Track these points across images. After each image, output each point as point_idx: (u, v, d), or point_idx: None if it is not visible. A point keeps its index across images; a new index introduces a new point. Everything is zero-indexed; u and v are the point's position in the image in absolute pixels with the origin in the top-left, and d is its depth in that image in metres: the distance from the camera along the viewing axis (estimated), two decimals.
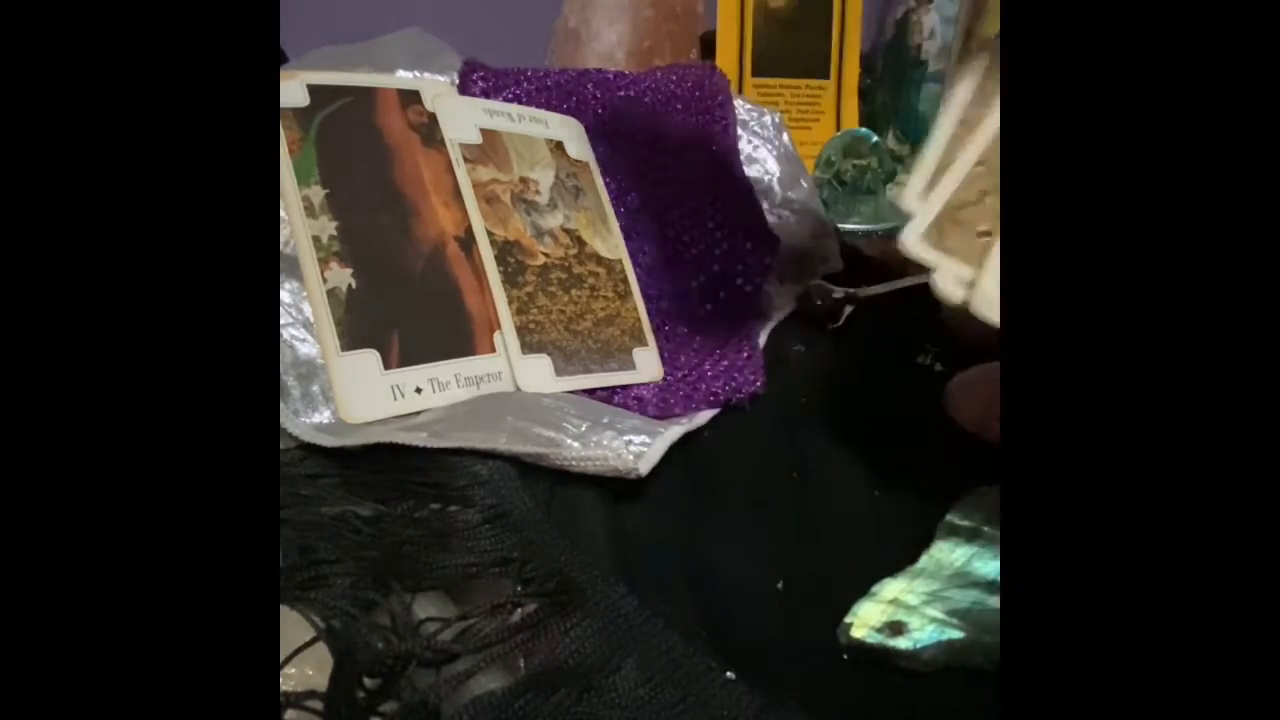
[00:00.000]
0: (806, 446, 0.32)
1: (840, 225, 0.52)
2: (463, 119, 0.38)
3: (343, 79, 0.36)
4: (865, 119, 0.62)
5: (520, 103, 0.41)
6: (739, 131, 0.47)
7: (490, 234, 0.37)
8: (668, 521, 0.28)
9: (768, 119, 0.48)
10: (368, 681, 0.21)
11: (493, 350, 0.35)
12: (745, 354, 0.38)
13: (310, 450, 0.30)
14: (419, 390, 0.33)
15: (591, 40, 0.55)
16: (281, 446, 0.30)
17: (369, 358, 0.32)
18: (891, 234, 0.45)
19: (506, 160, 0.39)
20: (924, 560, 0.25)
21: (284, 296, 0.34)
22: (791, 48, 0.61)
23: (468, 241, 0.36)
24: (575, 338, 0.37)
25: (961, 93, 0.27)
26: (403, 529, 0.26)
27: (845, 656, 0.22)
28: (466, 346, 0.35)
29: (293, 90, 0.34)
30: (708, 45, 0.60)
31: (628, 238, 0.41)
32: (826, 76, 0.61)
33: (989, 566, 0.24)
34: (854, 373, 0.38)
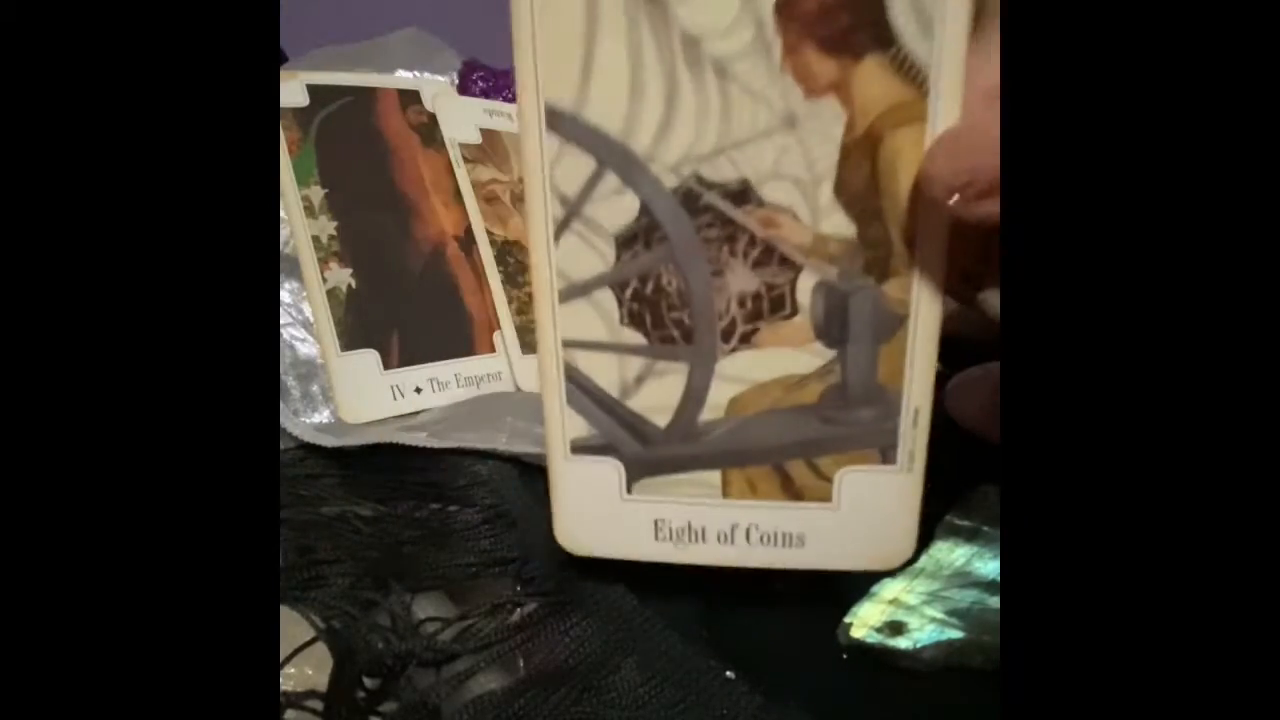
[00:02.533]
0: None
1: None
2: (463, 119, 0.38)
3: (343, 79, 0.36)
4: None
5: None
6: None
7: (490, 234, 0.37)
8: None
9: None
10: (368, 681, 0.21)
11: (493, 350, 0.35)
12: None
13: (310, 450, 0.30)
14: (419, 390, 0.33)
15: None
16: (281, 446, 0.30)
17: (368, 358, 0.33)
18: None
19: (506, 160, 0.39)
20: (924, 560, 0.24)
21: (284, 296, 0.35)
22: None
23: (468, 241, 0.36)
24: None
25: None
26: (403, 529, 0.26)
27: (845, 656, 0.22)
28: (466, 346, 0.35)
29: (293, 90, 0.34)
30: None
31: None
32: None
33: (989, 566, 0.24)
34: None
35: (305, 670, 0.22)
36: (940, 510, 0.26)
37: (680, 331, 0.19)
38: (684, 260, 0.19)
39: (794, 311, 0.19)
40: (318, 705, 0.21)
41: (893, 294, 0.19)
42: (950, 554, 0.25)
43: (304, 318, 0.34)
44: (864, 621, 0.22)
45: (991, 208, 0.17)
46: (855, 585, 0.24)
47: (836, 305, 0.19)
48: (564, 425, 0.20)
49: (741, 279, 0.19)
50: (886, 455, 0.20)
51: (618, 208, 0.19)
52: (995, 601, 0.22)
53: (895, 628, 0.22)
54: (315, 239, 0.33)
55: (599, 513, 0.21)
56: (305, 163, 0.33)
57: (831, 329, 0.19)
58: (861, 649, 0.22)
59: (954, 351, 0.36)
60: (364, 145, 0.35)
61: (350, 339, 0.32)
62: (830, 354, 0.19)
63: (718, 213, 0.18)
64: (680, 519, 0.21)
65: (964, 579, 0.24)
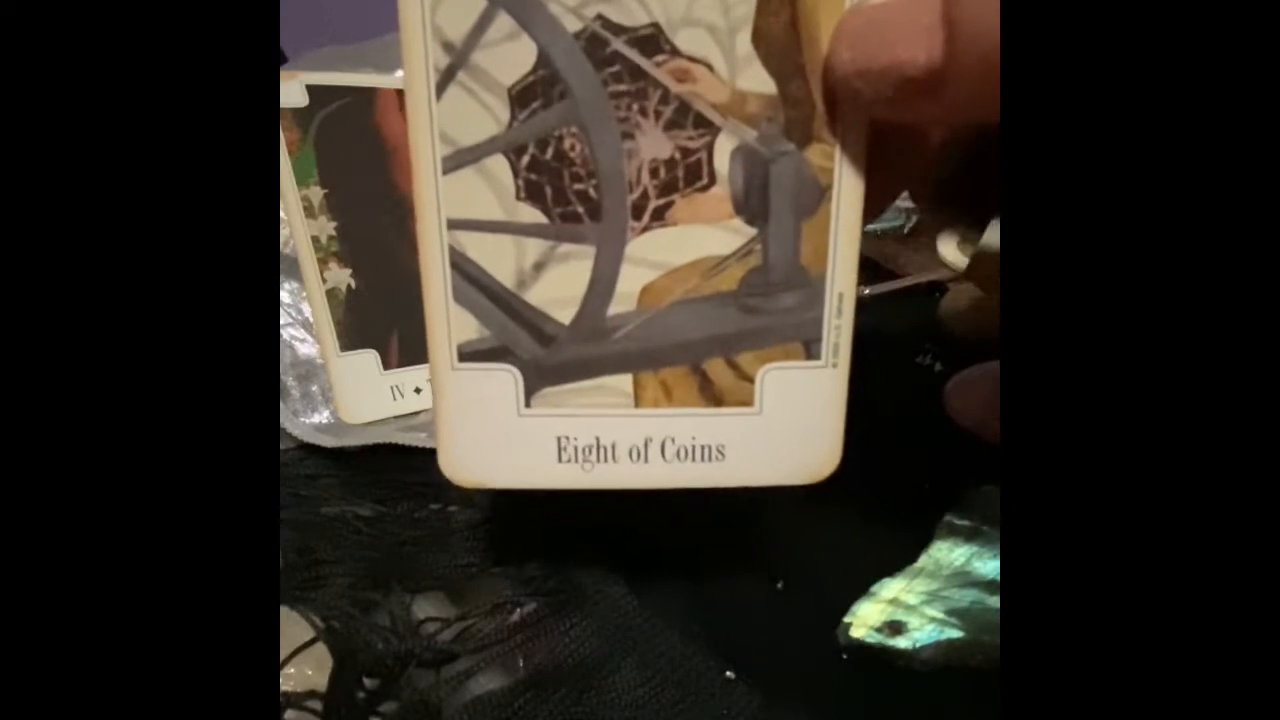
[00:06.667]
0: None
1: None
2: None
3: (343, 79, 0.36)
4: None
5: None
6: None
7: None
8: (668, 520, 0.28)
9: None
10: (368, 681, 0.21)
11: None
12: None
13: (310, 450, 0.30)
14: (419, 390, 0.33)
15: None
16: (281, 447, 0.30)
17: (368, 358, 0.32)
18: (889, 233, 0.45)
19: None
20: (923, 560, 0.25)
21: (284, 296, 0.35)
22: None
23: None
24: None
25: None
26: (403, 529, 0.26)
27: (845, 656, 0.22)
28: None
29: (292, 90, 0.34)
30: None
31: None
32: None
33: (989, 566, 0.24)
34: (853, 372, 0.38)
35: (305, 670, 0.22)
36: (940, 510, 0.26)
37: (586, 207, 0.17)
38: (589, 119, 0.17)
39: (711, 181, 0.17)
40: (318, 705, 0.21)
41: (815, 160, 0.17)
42: (950, 554, 0.25)
43: (304, 318, 0.34)
44: (863, 621, 0.22)
45: (909, 113, 0.15)
46: (855, 585, 0.24)
47: (757, 173, 0.17)
48: (450, 327, 0.18)
49: (654, 143, 0.17)
50: (810, 349, 0.19)
51: (511, 56, 0.16)
52: (995, 601, 0.22)
53: (895, 627, 0.22)
54: (315, 239, 0.33)
55: (493, 433, 0.19)
56: (305, 163, 0.33)
57: (751, 201, 0.17)
58: (861, 649, 0.22)
59: (954, 351, 0.36)
60: (364, 145, 0.35)
61: (350, 339, 0.32)
62: (751, 232, 0.18)
63: (626, 63, 0.17)
64: (587, 434, 0.19)
65: (963, 579, 0.24)
